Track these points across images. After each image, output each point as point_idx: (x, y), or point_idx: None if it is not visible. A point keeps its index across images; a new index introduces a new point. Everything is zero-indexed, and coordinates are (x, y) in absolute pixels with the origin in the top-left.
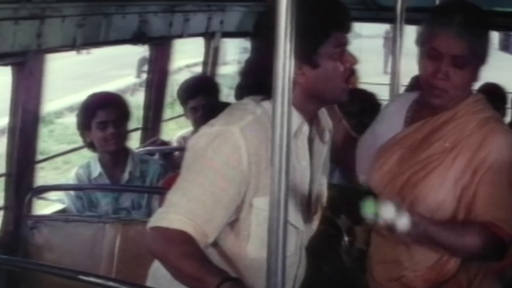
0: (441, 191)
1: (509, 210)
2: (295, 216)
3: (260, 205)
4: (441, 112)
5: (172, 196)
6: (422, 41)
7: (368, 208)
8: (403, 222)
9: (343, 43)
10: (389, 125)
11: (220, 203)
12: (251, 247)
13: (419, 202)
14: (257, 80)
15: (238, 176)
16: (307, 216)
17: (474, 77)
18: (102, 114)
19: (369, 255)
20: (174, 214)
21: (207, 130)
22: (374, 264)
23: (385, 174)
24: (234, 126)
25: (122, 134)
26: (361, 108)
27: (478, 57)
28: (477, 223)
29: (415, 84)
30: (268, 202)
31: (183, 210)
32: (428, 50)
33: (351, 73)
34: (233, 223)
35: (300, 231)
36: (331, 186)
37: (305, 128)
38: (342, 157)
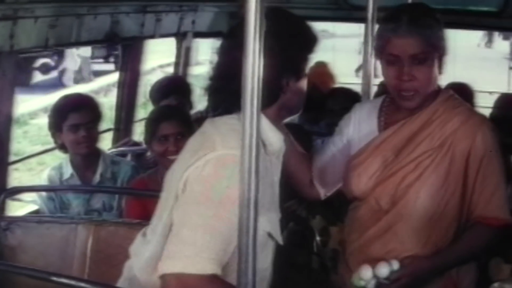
0: (436, 187)
1: (502, 197)
2: (277, 230)
3: (262, 225)
4: (417, 112)
5: (191, 233)
6: (378, 52)
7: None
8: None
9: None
10: (359, 134)
11: (236, 230)
12: None
13: (416, 200)
14: (230, 86)
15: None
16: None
17: (439, 69)
18: (74, 116)
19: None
20: (203, 258)
21: (210, 156)
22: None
23: (370, 179)
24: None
25: (94, 137)
26: (343, 106)
27: (436, 48)
28: (472, 226)
29: (382, 90)
30: (266, 220)
31: (208, 251)
32: (386, 57)
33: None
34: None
35: (276, 245)
36: None
37: (284, 145)
38: (292, 173)
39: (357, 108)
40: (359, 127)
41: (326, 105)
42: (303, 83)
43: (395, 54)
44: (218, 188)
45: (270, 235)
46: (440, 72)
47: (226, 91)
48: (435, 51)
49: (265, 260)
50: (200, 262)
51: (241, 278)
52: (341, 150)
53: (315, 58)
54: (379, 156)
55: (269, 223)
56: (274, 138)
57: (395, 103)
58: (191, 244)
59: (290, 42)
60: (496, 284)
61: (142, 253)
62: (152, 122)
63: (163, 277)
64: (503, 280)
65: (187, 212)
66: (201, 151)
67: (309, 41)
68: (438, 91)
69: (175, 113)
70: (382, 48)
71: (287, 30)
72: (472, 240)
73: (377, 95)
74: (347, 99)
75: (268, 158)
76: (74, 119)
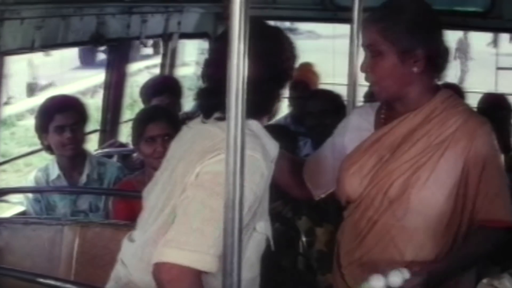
0: (433, 187)
1: (506, 199)
2: (267, 226)
3: (261, 229)
4: (415, 110)
5: (201, 226)
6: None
7: None
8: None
9: None
10: (357, 135)
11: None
12: (245, 269)
13: (412, 200)
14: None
15: (256, 203)
16: None
17: (403, 65)
18: (60, 118)
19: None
20: (211, 255)
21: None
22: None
23: (365, 178)
24: (257, 152)
25: (80, 139)
26: (322, 108)
27: (395, 42)
28: (476, 230)
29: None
30: (267, 225)
31: (215, 248)
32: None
33: None
34: None
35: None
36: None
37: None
38: (281, 174)
39: (356, 111)
40: (359, 128)
41: (306, 107)
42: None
43: (363, 44)
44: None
45: (268, 239)
46: (434, 73)
47: (220, 94)
48: (393, 45)
49: (257, 266)
50: (207, 259)
51: (226, 279)
52: (336, 151)
53: (302, 58)
54: (374, 154)
55: (268, 227)
56: (271, 145)
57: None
58: (200, 237)
59: (277, 54)
60: (485, 280)
61: (133, 256)
62: (139, 123)
63: (160, 265)
64: (492, 277)
65: (198, 203)
66: (214, 152)
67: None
68: (436, 90)
69: (162, 114)
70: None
71: (272, 42)
72: (480, 243)
73: (367, 95)
74: (327, 101)
75: (269, 165)
76: (60, 120)
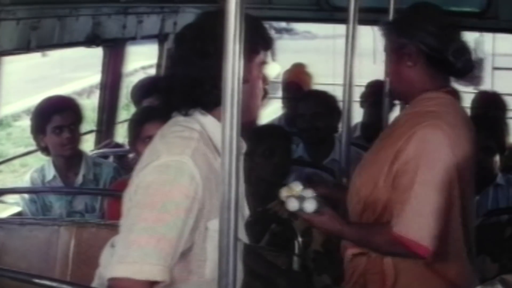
0: (369, 176)
1: (411, 215)
2: (242, 232)
3: (215, 227)
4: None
5: (137, 237)
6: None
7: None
8: (309, 206)
9: (264, 63)
10: None
11: (182, 235)
12: (208, 270)
13: (357, 192)
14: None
15: (195, 204)
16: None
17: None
18: (58, 118)
19: None
20: (150, 264)
21: (155, 163)
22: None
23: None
24: (184, 155)
25: (77, 138)
26: (315, 111)
27: (389, 41)
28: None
29: (370, 91)
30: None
31: (156, 256)
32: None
33: (266, 93)
34: (185, 253)
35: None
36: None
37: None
38: None
39: None
40: None
41: (297, 109)
42: (250, 87)
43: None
44: (161, 192)
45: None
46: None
47: (175, 92)
48: (390, 45)
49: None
50: (147, 268)
51: (221, 279)
52: None
53: (298, 59)
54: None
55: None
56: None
57: None
58: (138, 249)
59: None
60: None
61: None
62: (135, 124)
63: (111, 280)
64: (485, 284)
65: (133, 217)
66: (147, 161)
67: (254, 43)
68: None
69: (158, 114)
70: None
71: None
72: (378, 237)
73: (364, 96)
74: (319, 103)
75: (208, 164)
76: (58, 121)
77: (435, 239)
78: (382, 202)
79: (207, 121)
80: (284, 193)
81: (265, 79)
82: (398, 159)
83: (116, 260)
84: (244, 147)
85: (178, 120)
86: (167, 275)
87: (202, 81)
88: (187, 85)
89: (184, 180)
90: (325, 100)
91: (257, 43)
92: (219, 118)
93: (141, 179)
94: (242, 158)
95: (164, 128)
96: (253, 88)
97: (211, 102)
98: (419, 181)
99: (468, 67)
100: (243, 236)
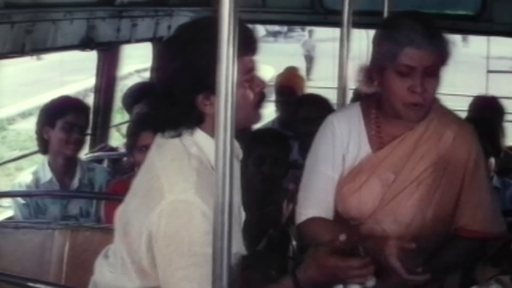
0: (442, 205)
1: (488, 208)
2: (240, 242)
3: None
4: (414, 125)
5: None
6: (387, 61)
7: None
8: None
9: (252, 68)
10: (351, 149)
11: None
12: None
13: (423, 221)
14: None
15: (211, 235)
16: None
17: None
18: (72, 116)
19: None
20: None
21: (162, 206)
22: None
23: (373, 203)
24: (189, 194)
25: (82, 142)
26: (316, 115)
27: (443, 61)
28: (452, 240)
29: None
30: None
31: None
32: (398, 68)
33: (262, 97)
34: None
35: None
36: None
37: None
38: None
39: (335, 125)
40: (348, 141)
41: (297, 112)
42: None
43: (410, 65)
44: (180, 239)
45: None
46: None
47: (170, 109)
48: (442, 64)
49: None
50: None
51: (215, 283)
52: (335, 167)
53: (291, 62)
54: (378, 177)
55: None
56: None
57: (389, 116)
58: (188, 284)
59: (198, 52)
60: None
61: (106, 275)
62: (131, 133)
63: None
64: (480, 284)
65: (165, 268)
66: (151, 199)
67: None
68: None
69: (152, 122)
70: (393, 58)
71: (193, 38)
72: (457, 254)
73: (354, 99)
74: (319, 107)
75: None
76: (71, 118)
77: None
78: None
79: (200, 139)
80: None
81: (262, 83)
82: None
83: None
84: (240, 154)
85: (174, 141)
86: None
87: (180, 102)
88: (166, 106)
89: (198, 220)
90: (323, 104)
91: (242, 46)
92: (209, 130)
93: (153, 226)
94: (237, 164)
95: (161, 142)
96: (236, 100)
97: (191, 122)
98: None
99: None
100: (240, 247)
